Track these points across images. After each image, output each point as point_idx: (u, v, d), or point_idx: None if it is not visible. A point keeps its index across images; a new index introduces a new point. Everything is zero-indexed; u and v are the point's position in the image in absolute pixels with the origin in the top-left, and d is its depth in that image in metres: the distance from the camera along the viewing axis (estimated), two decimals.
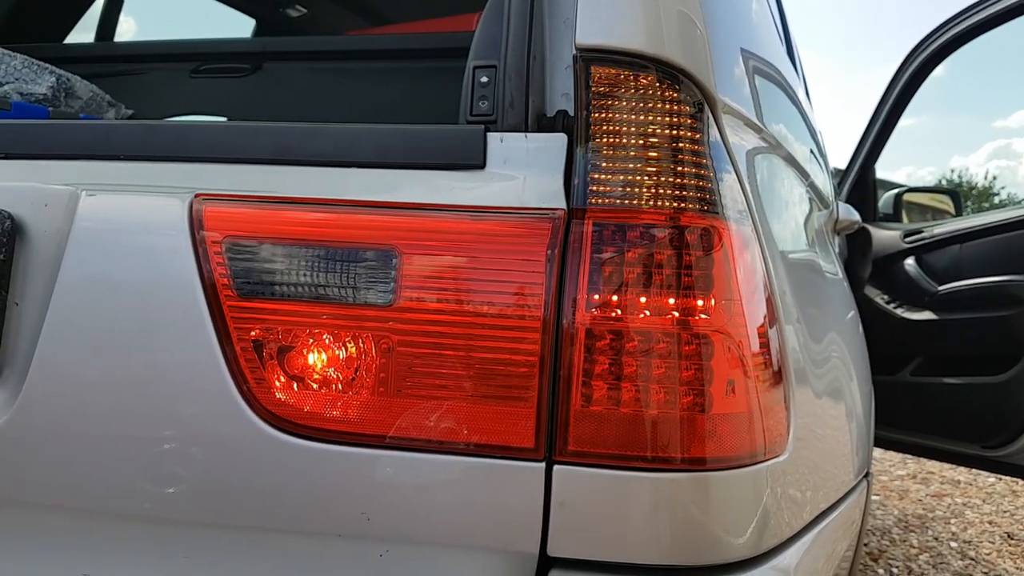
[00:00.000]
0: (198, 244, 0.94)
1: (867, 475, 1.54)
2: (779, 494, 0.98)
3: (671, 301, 0.90)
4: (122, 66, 2.09)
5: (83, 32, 2.62)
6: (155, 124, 1.10)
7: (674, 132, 0.93)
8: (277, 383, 0.93)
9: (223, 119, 2.18)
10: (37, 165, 1.06)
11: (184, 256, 0.94)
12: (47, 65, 1.70)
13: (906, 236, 3.19)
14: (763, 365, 0.96)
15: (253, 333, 0.93)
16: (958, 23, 3.01)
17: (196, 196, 0.96)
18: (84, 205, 0.98)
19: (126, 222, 0.98)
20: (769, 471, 0.96)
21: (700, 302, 0.90)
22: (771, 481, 0.96)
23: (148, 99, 2.03)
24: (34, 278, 0.99)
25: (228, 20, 2.99)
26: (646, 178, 0.91)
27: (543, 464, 0.89)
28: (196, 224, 0.95)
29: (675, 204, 0.91)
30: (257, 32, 3.03)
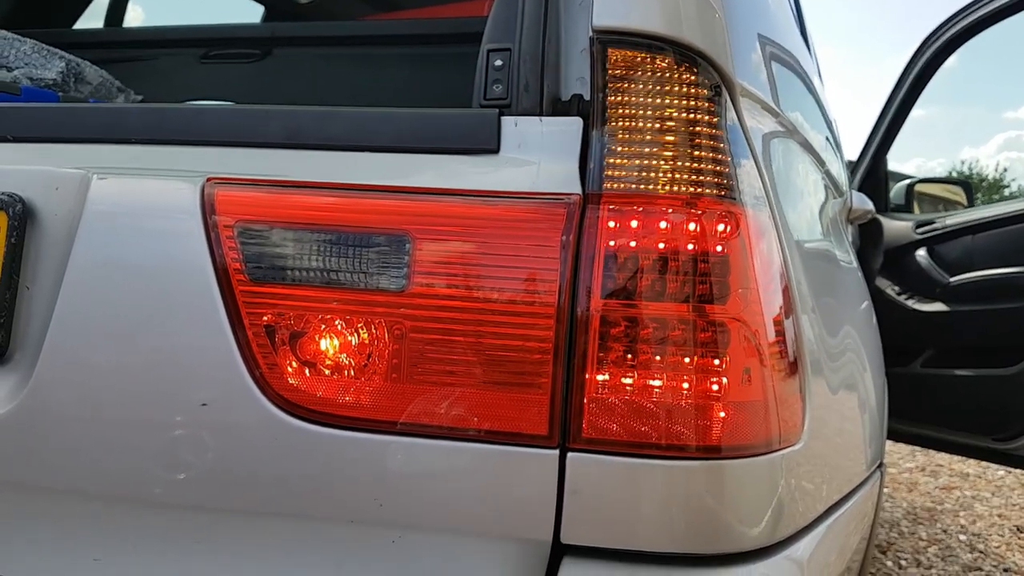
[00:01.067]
0: (210, 228, 0.94)
1: (880, 467, 1.53)
2: (793, 484, 0.97)
3: (687, 288, 0.89)
4: (132, 51, 2.08)
5: (92, 19, 2.61)
6: (167, 108, 1.09)
7: (691, 116, 0.91)
8: (289, 368, 0.93)
9: (231, 105, 2.18)
10: (48, 149, 1.05)
11: (196, 240, 0.94)
12: (57, 50, 1.69)
13: (918, 227, 3.17)
14: (779, 354, 0.95)
15: (265, 318, 0.93)
16: (971, 13, 2.98)
17: (208, 180, 0.96)
18: (95, 189, 0.98)
19: (138, 206, 0.98)
20: (784, 460, 0.95)
21: (716, 289, 0.89)
22: (785, 470, 0.95)
23: (158, 85, 2.02)
24: (45, 262, 0.98)
25: (237, 6, 2.98)
26: (663, 163, 0.90)
27: (557, 451, 0.88)
28: (208, 208, 0.94)
29: (692, 189, 0.90)
30: (266, 19, 3.02)
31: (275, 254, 0.93)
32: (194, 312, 0.93)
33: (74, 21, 2.54)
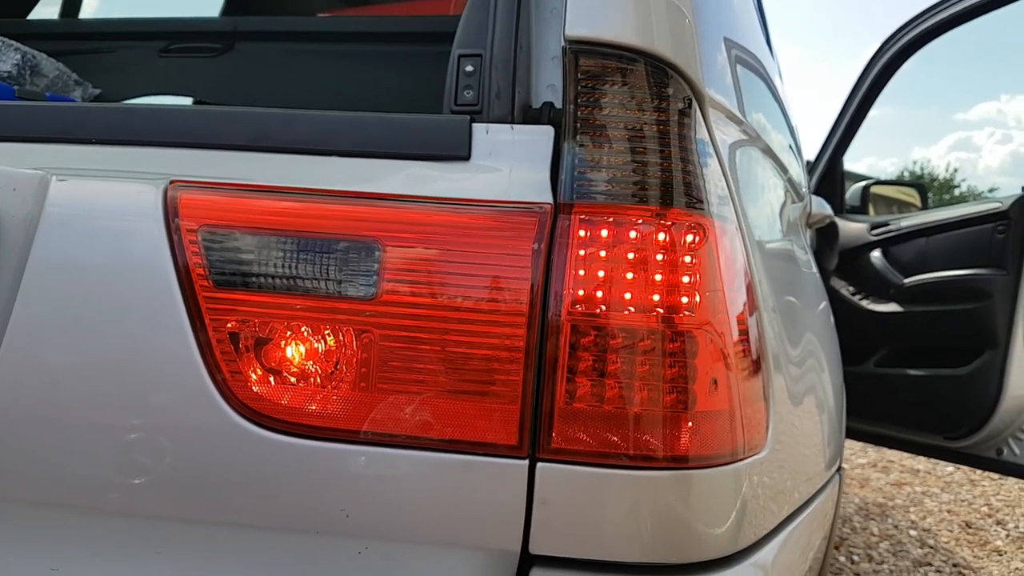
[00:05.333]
0: (172, 232, 0.92)
1: (839, 469, 1.55)
2: (758, 491, 0.98)
3: (656, 298, 0.89)
4: (89, 44, 2.03)
5: (47, 7, 2.54)
6: (129, 107, 1.07)
7: (662, 127, 0.92)
8: (253, 376, 0.91)
9: (190, 100, 2.14)
10: (5, 148, 1.03)
11: (158, 244, 0.92)
12: (12, 42, 1.65)
13: (873, 228, 3.22)
14: (745, 363, 0.96)
15: (229, 324, 0.91)
16: (929, 18, 3.03)
17: (171, 183, 0.94)
18: (55, 190, 0.95)
19: (98, 208, 0.95)
20: (749, 468, 0.96)
21: (685, 299, 0.90)
22: (751, 478, 0.96)
23: (116, 78, 1.98)
24: (2, 262, 0.95)
25: None
26: (633, 173, 0.90)
27: (526, 461, 0.88)
28: (171, 212, 0.92)
29: (662, 200, 0.90)
30: (226, 8, 2.97)
31: (240, 259, 0.91)
32: (156, 318, 0.91)
33: (28, 11, 2.48)
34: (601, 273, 0.89)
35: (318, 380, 0.91)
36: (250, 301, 0.91)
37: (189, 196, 0.93)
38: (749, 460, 0.96)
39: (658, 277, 0.89)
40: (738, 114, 1.19)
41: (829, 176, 3.46)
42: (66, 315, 0.93)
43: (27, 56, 1.65)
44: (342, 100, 1.93)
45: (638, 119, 0.91)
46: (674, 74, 0.93)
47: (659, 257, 0.89)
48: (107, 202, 0.96)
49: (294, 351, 0.92)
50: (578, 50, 0.93)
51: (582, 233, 0.89)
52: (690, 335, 0.90)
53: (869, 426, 3.08)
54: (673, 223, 0.90)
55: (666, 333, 0.89)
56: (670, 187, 0.91)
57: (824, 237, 3.21)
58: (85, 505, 0.95)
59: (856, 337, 3.01)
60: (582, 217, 0.89)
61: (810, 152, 3.52)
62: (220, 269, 0.91)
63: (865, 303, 3.16)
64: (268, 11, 2.91)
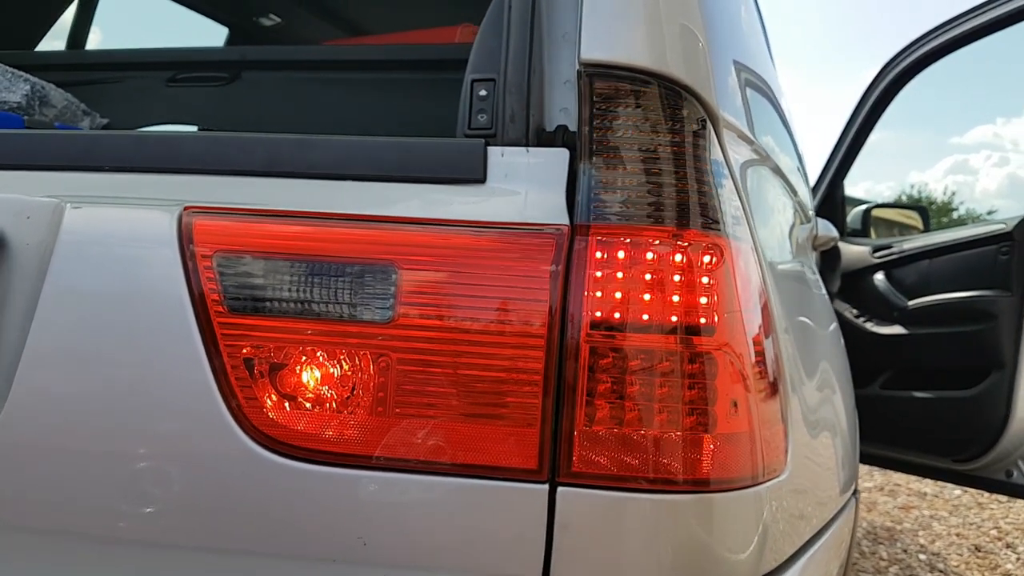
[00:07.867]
0: (187, 258, 0.92)
1: (855, 493, 1.53)
2: (779, 515, 0.97)
3: (674, 319, 0.88)
4: (97, 74, 2.04)
5: (53, 39, 2.56)
6: (142, 135, 1.07)
7: (677, 149, 0.92)
8: (268, 402, 0.91)
9: (195, 128, 2.15)
10: (19, 176, 1.03)
11: (173, 271, 0.92)
12: (21, 73, 1.66)
13: (875, 251, 3.22)
14: (763, 384, 0.96)
15: (244, 350, 0.91)
16: (928, 42, 3.05)
17: (185, 209, 0.94)
18: (69, 218, 0.95)
19: (113, 235, 0.95)
20: (770, 491, 0.95)
21: (703, 320, 0.89)
22: (771, 502, 0.95)
23: (124, 108, 1.99)
24: (17, 291, 0.95)
25: (200, 29, 2.95)
26: (649, 195, 0.90)
27: (546, 486, 0.87)
28: (185, 238, 0.92)
29: (678, 221, 0.90)
30: (230, 40, 2.99)
31: (255, 284, 0.91)
32: (171, 344, 0.91)
33: (36, 43, 2.49)
34: (619, 294, 0.88)
35: (334, 405, 0.91)
36: (265, 326, 0.91)
37: (203, 222, 0.93)
38: (770, 483, 0.95)
39: (676, 298, 0.89)
40: (749, 135, 1.20)
41: (830, 199, 3.46)
42: (81, 342, 0.93)
43: (36, 87, 1.65)
44: (347, 128, 1.94)
45: (653, 140, 0.91)
46: (688, 96, 0.93)
47: (676, 278, 0.89)
48: (121, 229, 0.96)
49: (309, 376, 0.91)
50: (593, 73, 0.93)
51: (599, 254, 0.89)
52: (709, 356, 0.89)
53: (876, 449, 3.06)
54: (690, 243, 0.90)
55: (685, 354, 0.88)
56: (686, 208, 0.91)
57: (826, 260, 3.21)
58: (99, 534, 0.94)
59: (860, 360, 2.99)
60: (599, 238, 0.89)
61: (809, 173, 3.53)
62: (235, 294, 0.91)
63: (869, 326, 3.15)
64: (273, 40, 2.93)
